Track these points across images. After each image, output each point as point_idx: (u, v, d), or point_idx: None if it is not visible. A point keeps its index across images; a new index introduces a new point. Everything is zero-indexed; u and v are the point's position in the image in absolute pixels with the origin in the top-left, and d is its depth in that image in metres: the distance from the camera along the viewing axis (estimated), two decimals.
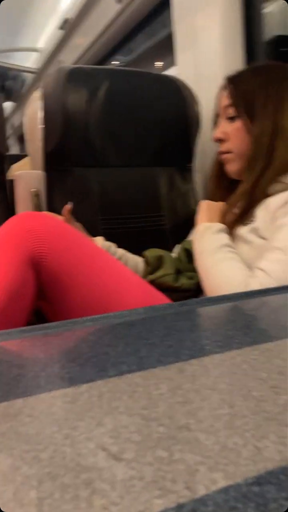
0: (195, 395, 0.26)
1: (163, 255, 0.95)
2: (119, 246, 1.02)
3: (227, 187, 1.00)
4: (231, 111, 0.92)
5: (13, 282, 0.71)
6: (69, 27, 2.44)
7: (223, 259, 0.81)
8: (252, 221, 0.85)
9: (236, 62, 1.22)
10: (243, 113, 0.90)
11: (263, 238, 0.82)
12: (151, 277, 0.92)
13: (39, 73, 3.25)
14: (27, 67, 3.37)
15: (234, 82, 0.93)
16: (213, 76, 1.21)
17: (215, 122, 1.01)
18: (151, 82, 1.17)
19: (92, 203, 1.09)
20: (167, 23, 1.99)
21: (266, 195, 0.85)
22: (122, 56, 2.70)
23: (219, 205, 0.93)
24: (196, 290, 0.89)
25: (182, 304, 0.51)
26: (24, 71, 3.47)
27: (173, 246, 1.11)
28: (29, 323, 0.76)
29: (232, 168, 0.95)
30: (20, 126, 3.89)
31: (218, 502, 0.17)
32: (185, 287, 0.90)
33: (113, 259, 0.83)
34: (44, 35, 2.97)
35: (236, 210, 0.89)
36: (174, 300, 0.86)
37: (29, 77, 3.54)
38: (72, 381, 0.30)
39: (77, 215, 0.98)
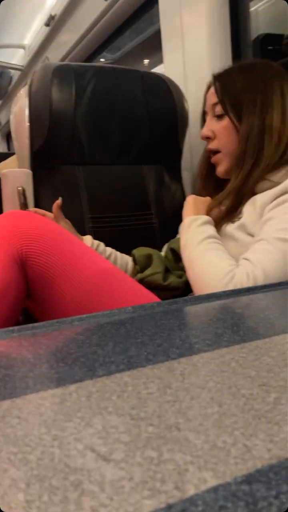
0: (184, 394, 0.26)
1: (151, 254, 0.95)
2: (108, 245, 1.02)
3: (215, 185, 1.00)
4: (219, 109, 0.93)
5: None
6: (55, 23, 2.42)
7: (208, 249, 0.81)
8: (239, 218, 0.85)
9: (223, 60, 1.22)
10: (230, 111, 0.90)
11: (251, 234, 0.82)
12: (140, 275, 0.92)
13: (25, 70, 3.23)
14: (13, 64, 3.34)
15: (221, 80, 0.93)
16: (201, 74, 1.21)
17: (203, 120, 1.01)
18: (139, 80, 1.16)
19: (80, 201, 1.08)
20: (155, 20, 1.99)
21: (254, 193, 0.86)
22: (109, 54, 2.69)
23: (205, 200, 0.93)
24: (185, 289, 0.90)
25: (171, 303, 0.51)
26: (10, 68, 3.44)
27: (162, 244, 1.11)
28: (16, 323, 0.76)
29: (222, 169, 0.95)
30: (7, 124, 3.86)
31: (208, 501, 0.17)
32: (174, 286, 0.90)
33: (101, 258, 0.83)
34: (30, 32, 2.95)
35: (223, 207, 0.89)
36: (163, 298, 0.86)
37: (16, 74, 3.51)
38: (60, 381, 0.30)
39: (65, 214, 0.97)
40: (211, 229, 0.86)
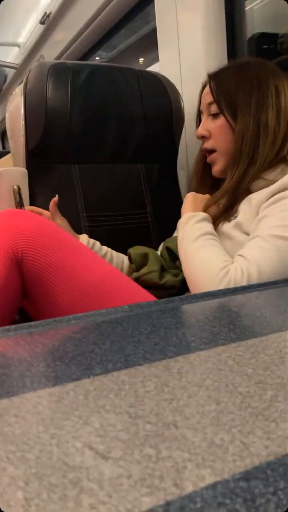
0: (181, 392, 0.27)
1: (147, 252, 0.95)
2: (104, 244, 1.02)
3: (211, 184, 1.00)
4: (214, 108, 0.93)
5: None
6: (50, 21, 2.41)
7: (204, 245, 0.82)
8: (235, 216, 0.86)
9: (219, 58, 1.22)
10: (225, 110, 0.91)
11: (246, 233, 0.83)
12: (136, 274, 0.92)
13: (20, 69, 3.21)
14: (8, 62, 3.32)
15: (216, 79, 0.93)
16: (196, 72, 1.21)
17: (199, 119, 1.01)
18: (134, 78, 1.16)
19: (76, 200, 1.08)
20: (151, 19, 1.99)
21: (249, 192, 0.86)
22: (104, 53, 2.68)
23: (205, 197, 0.94)
24: (181, 288, 0.90)
25: (167, 301, 0.51)
26: (4, 66, 3.42)
27: (158, 243, 1.11)
28: (12, 322, 0.76)
29: (218, 168, 0.95)
30: (3, 122, 3.84)
31: (206, 498, 0.17)
32: (170, 284, 0.90)
33: (97, 257, 0.83)
34: (25, 30, 2.93)
35: (219, 206, 0.90)
36: (159, 297, 0.86)
37: (10, 72, 3.50)
38: (58, 380, 0.30)
39: (61, 213, 0.97)
40: (208, 226, 0.86)
